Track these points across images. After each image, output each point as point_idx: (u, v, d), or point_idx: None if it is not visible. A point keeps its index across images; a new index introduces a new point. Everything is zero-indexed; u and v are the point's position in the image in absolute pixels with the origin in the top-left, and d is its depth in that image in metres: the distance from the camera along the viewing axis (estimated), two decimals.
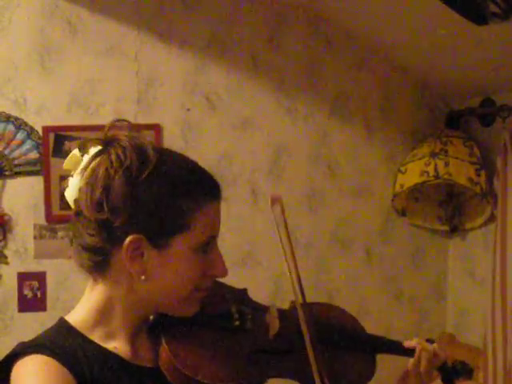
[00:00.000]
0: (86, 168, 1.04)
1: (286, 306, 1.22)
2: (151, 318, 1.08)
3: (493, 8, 2.00)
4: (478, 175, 2.75)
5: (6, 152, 2.56)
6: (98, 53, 2.62)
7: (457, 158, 2.76)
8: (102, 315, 1.03)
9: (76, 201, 1.05)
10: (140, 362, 1.03)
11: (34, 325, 2.60)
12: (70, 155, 1.11)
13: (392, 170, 2.94)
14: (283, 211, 1.12)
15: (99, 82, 2.63)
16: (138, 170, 0.95)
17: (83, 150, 1.09)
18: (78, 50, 2.60)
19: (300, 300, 1.09)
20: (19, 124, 2.56)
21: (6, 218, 2.56)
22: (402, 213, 3.00)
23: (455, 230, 2.99)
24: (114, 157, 0.97)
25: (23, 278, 2.59)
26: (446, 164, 2.75)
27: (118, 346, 1.02)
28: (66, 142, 2.61)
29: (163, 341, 1.02)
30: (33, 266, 2.60)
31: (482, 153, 2.81)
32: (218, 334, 1.06)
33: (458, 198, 2.99)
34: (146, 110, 2.69)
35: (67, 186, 1.10)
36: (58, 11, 2.57)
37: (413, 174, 2.83)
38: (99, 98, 2.63)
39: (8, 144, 2.55)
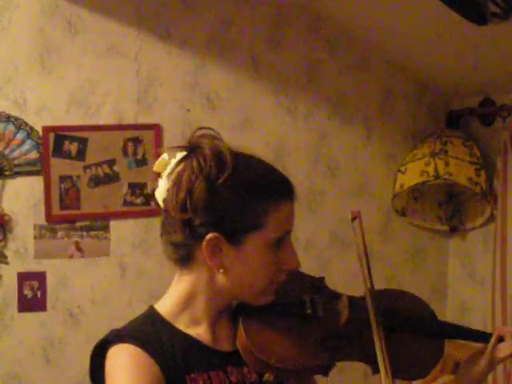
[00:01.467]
0: (172, 171, 1.17)
1: None
2: (233, 305, 1.16)
3: (493, 8, 2.00)
4: (478, 175, 2.74)
5: (6, 152, 2.56)
6: (98, 53, 2.62)
7: (457, 158, 2.76)
8: (187, 304, 1.13)
9: (164, 200, 1.21)
10: (220, 347, 1.13)
11: (34, 325, 2.60)
12: (159, 159, 1.22)
13: (392, 169, 2.95)
14: (362, 226, 1.32)
15: (99, 82, 2.63)
16: (216, 176, 1.07)
17: (171, 154, 1.19)
18: (78, 50, 2.60)
19: (368, 287, 1.21)
20: (19, 124, 2.56)
21: (6, 217, 2.56)
22: (402, 213, 3.00)
23: (455, 230, 2.99)
24: (195, 163, 1.09)
25: (23, 277, 2.59)
26: (446, 164, 2.75)
27: (200, 332, 1.12)
28: (66, 142, 2.62)
29: (241, 326, 1.11)
30: (33, 266, 2.60)
31: (482, 153, 2.81)
32: (291, 321, 1.14)
33: (458, 198, 2.99)
34: (146, 110, 2.69)
35: (157, 186, 1.24)
36: (57, 11, 2.57)
37: (413, 174, 2.83)
38: (99, 98, 2.63)
39: (8, 144, 2.55)
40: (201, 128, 1.16)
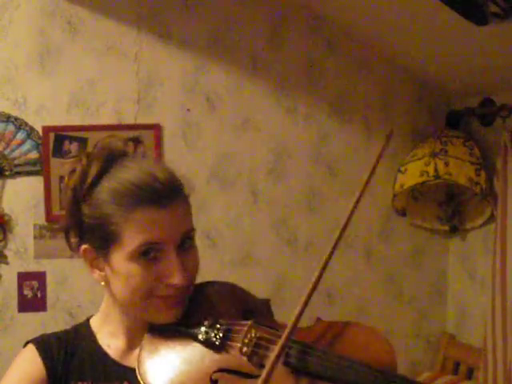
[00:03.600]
0: None
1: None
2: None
3: (493, 8, 2.00)
4: (478, 175, 2.74)
5: (6, 152, 2.56)
6: (98, 53, 2.63)
7: (457, 158, 2.76)
8: (106, 315, 1.14)
9: None
10: (127, 363, 1.08)
11: (33, 325, 2.60)
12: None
13: (392, 169, 2.94)
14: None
15: (99, 82, 2.63)
16: (80, 190, 1.04)
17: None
18: (77, 50, 2.60)
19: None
20: (19, 124, 2.56)
21: (6, 218, 2.56)
22: (402, 213, 3.00)
23: (455, 229, 2.99)
24: (71, 173, 1.08)
25: (23, 277, 2.59)
26: (446, 164, 2.75)
27: (114, 345, 1.10)
28: (66, 142, 2.62)
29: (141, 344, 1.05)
30: (33, 266, 2.60)
31: (482, 153, 2.81)
32: (188, 346, 1.02)
33: (458, 197, 2.98)
34: (146, 110, 2.69)
35: None
36: (57, 11, 2.57)
37: (413, 174, 2.83)
38: (99, 98, 2.63)
39: (8, 144, 2.56)
40: (106, 137, 1.12)
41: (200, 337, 1.01)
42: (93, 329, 1.13)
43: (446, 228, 3.01)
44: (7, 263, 2.58)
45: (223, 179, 2.77)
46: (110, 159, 1.06)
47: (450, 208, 3.00)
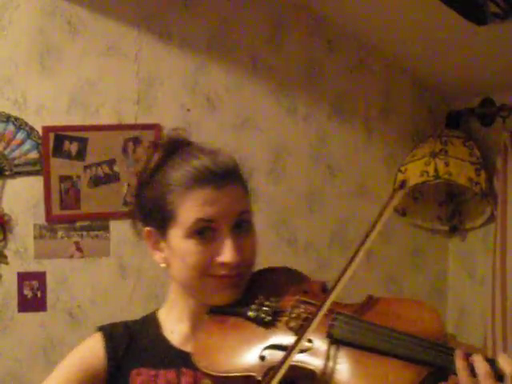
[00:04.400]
0: None
1: None
2: None
3: (493, 8, 2.00)
4: (478, 175, 2.74)
5: (6, 152, 2.56)
6: (98, 53, 2.63)
7: (457, 158, 2.76)
8: (171, 302, 1.17)
9: None
10: (190, 348, 1.08)
11: (33, 325, 2.61)
12: None
13: (392, 170, 2.94)
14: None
15: (99, 82, 2.63)
16: (144, 173, 1.11)
17: None
18: (78, 50, 2.60)
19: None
20: (19, 124, 2.56)
21: (6, 218, 2.56)
22: (402, 213, 3.00)
23: (455, 229, 2.99)
24: (139, 161, 1.15)
25: (23, 277, 2.59)
26: (446, 164, 2.75)
27: (177, 331, 1.14)
28: (66, 142, 2.62)
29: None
30: (33, 266, 2.60)
31: (482, 153, 2.81)
32: (240, 325, 1.04)
33: (458, 197, 2.98)
34: (146, 110, 2.69)
35: None
36: (57, 11, 2.57)
37: (413, 174, 2.83)
38: (99, 98, 2.64)
39: (8, 144, 2.56)
40: (174, 129, 1.18)
41: (250, 314, 1.03)
42: (159, 318, 1.17)
43: (446, 228, 3.01)
44: (7, 263, 2.58)
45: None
46: (173, 147, 1.12)
47: (450, 208, 3.00)
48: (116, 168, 2.67)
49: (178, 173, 1.06)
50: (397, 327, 0.96)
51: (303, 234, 2.86)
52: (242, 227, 1.08)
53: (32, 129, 2.57)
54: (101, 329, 1.16)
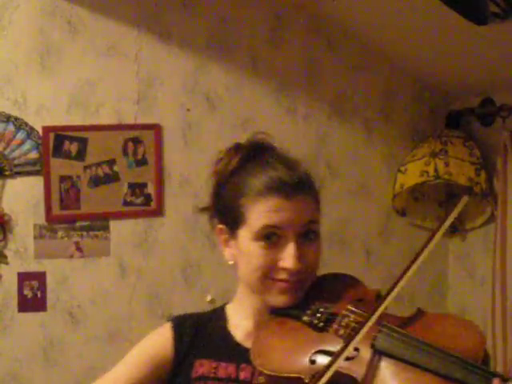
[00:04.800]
0: None
1: None
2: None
3: (493, 8, 2.00)
4: (478, 175, 2.74)
5: (6, 152, 2.56)
6: (98, 53, 2.62)
7: (457, 158, 2.76)
8: (239, 298, 1.22)
9: None
10: (249, 344, 1.12)
11: (33, 325, 2.60)
12: None
13: (392, 170, 2.94)
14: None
15: (99, 81, 2.63)
16: (223, 173, 1.18)
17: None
18: (78, 50, 2.60)
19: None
20: (19, 124, 2.56)
21: (6, 218, 2.56)
22: (402, 213, 3.00)
23: (455, 229, 2.99)
24: (219, 161, 1.22)
25: (23, 277, 2.59)
26: (446, 164, 2.75)
27: (243, 326, 1.18)
28: (66, 142, 2.62)
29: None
30: (33, 266, 2.60)
31: (482, 153, 2.81)
32: (296, 328, 1.09)
33: (458, 198, 2.98)
34: (146, 109, 2.69)
35: None
36: (57, 11, 2.57)
37: (413, 174, 2.83)
38: (99, 98, 2.63)
39: (8, 144, 2.55)
40: (257, 133, 1.24)
41: (304, 319, 1.08)
42: (226, 312, 1.23)
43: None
44: (7, 263, 2.58)
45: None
46: (253, 152, 1.18)
47: (450, 208, 3.00)
48: (116, 168, 2.67)
49: (254, 179, 1.13)
50: (440, 344, 0.98)
51: None
52: (307, 236, 1.14)
53: (32, 129, 2.57)
54: (172, 319, 1.23)
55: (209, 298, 2.73)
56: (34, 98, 2.57)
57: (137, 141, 2.68)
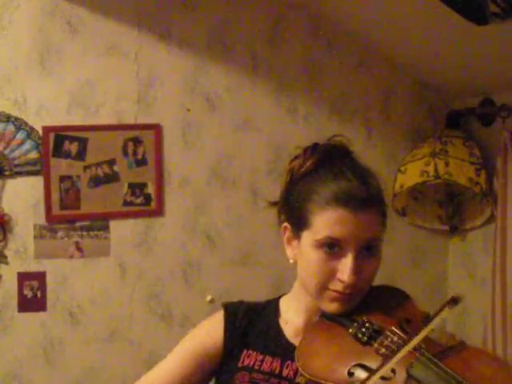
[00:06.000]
0: None
1: None
2: None
3: (493, 8, 2.00)
4: (478, 175, 2.74)
5: (6, 152, 2.56)
6: (98, 53, 2.62)
7: (457, 158, 2.76)
8: (294, 293, 1.23)
9: None
10: (297, 342, 1.14)
11: (33, 325, 2.60)
12: None
13: (392, 170, 2.94)
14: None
15: (99, 81, 2.63)
16: (297, 174, 1.20)
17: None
18: (78, 50, 2.60)
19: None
20: (19, 124, 2.56)
21: (5, 218, 2.56)
22: (402, 213, 3.00)
23: (455, 229, 2.99)
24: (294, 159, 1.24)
25: (23, 277, 2.59)
26: (446, 164, 2.75)
27: (294, 322, 1.20)
28: (66, 142, 2.62)
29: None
30: (33, 266, 2.60)
31: (482, 153, 2.81)
32: (341, 337, 1.10)
33: (458, 198, 2.99)
34: (146, 109, 2.69)
35: None
36: (57, 11, 2.57)
37: (413, 174, 2.83)
38: (99, 98, 2.63)
39: (8, 144, 2.56)
40: (335, 136, 1.26)
41: (351, 330, 1.10)
42: (280, 305, 1.25)
43: (446, 228, 3.01)
44: (7, 263, 2.58)
45: (223, 179, 2.77)
46: (328, 157, 1.19)
47: (450, 208, 3.00)
48: (116, 168, 2.67)
49: (325, 187, 1.13)
50: (471, 381, 0.99)
51: None
52: (368, 251, 1.15)
53: (32, 129, 2.57)
54: (225, 307, 1.25)
55: (209, 298, 2.73)
56: (34, 98, 2.57)
57: (137, 141, 2.68)
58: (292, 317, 1.21)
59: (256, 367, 1.17)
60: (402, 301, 1.22)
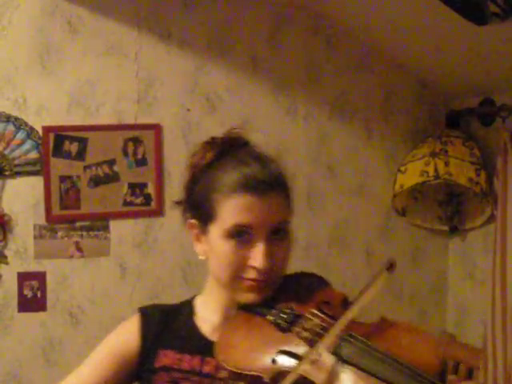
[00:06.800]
0: None
1: None
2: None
3: (493, 8, 2.00)
4: (478, 175, 2.75)
5: (6, 152, 2.56)
6: (98, 53, 2.62)
7: (457, 158, 2.76)
8: (208, 291, 1.22)
9: None
10: (215, 338, 1.12)
11: (33, 325, 2.60)
12: None
13: (392, 170, 2.94)
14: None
15: (99, 81, 2.63)
16: (192, 173, 1.18)
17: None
18: (77, 50, 2.60)
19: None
20: (19, 124, 2.56)
21: (5, 218, 2.56)
22: (402, 213, 3.00)
23: (455, 229, 2.99)
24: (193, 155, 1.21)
25: (23, 277, 2.59)
26: (446, 164, 2.75)
27: (211, 320, 1.18)
28: (66, 142, 2.62)
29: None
30: (33, 266, 2.60)
31: (482, 153, 2.81)
32: (260, 326, 1.09)
33: (458, 198, 2.99)
34: (146, 109, 2.69)
35: None
36: (57, 11, 2.57)
37: (413, 174, 2.83)
38: (99, 98, 2.63)
39: (8, 144, 2.55)
40: (233, 128, 1.24)
41: (269, 318, 1.09)
42: (194, 305, 1.23)
43: (446, 228, 3.01)
44: (7, 263, 2.58)
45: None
46: (227, 148, 1.18)
47: (449, 208, 3.00)
48: (116, 168, 2.67)
49: (227, 175, 1.11)
50: (399, 356, 0.99)
51: (303, 233, 2.86)
52: (277, 235, 1.12)
53: (32, 129, 2.57)
54: (140, 310, 1.25)
55: None
56: (34, 97, 2.57)
57: (137, 141, 2.68)
58: (208, 315, 1.20)
59: (175, 366, 1.15)
60: (319, 285, 1.21)
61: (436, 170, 2.75)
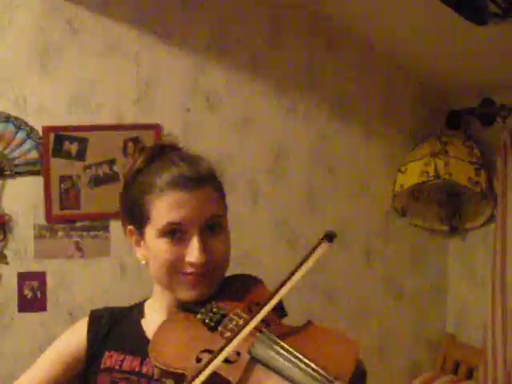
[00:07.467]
0: None
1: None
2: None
3: (493, 8, 2.00)
4: (478, 175, 2.75)
5: (6, 152, 2.56)
6: (98, 53, 2.62)
7: (457, 158, 2.76)
8: (154, 294, 1.24)
9: None
10: None
11: (33, 325, 2.61)
12: None
13: (392, 170, 2.94)
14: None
15: (99, 82, 2.63)
16: (127, 176, 1.19)
17: None
18: (78, 50, 2.60)
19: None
20: (19, 124, 2.56)
21: (6, 217, 2.56)
22: (402, 213, 3.00)
23: (455, 229, 2.99)
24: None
25: (23, 277, 2.59)
26: (446, 164, 2.75)
27: (154, 321, 1.16)
28: (66, 142, 2.62)
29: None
30: (33, 266, 2.60)
31: (482, 153, 2.81)
32: (191, 325, 1.10)
33: (458, 197, 2.99)
34: (146, 110, 2.69)
35: None
36: (57, 11, 2.57)
37: (413, 174, 2.83)
38: (99, 98, 2.63)
39: (8, 144, 2.56)
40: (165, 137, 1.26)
41: (199, 316, 1.10)
42: (144, 307, 1.25)
43: (446, 228, 3.01)
44: (7, 263, 2.58)
45: (223, 179, 2.76)
46: (157, 152, 1.19)
47: (449, 208, 3.00)
48: (116, 168, 2.67)
49: (157, 177, 1.13)
50: (309, 357, 1.00)
51: (303, 233, 2.86)
52: (212, 229, 1.13)
53: (32, 129, 2.57)
54: (90, 314, 1.25)
55: None
56: (34, 98, 2.57)
57: (137, 141, 2.68)
58: (155, 316, 1.20)
59: (116, 367, 1.17)
60: (253, 286, 1.21)
61: (436, 170, 2.75)
